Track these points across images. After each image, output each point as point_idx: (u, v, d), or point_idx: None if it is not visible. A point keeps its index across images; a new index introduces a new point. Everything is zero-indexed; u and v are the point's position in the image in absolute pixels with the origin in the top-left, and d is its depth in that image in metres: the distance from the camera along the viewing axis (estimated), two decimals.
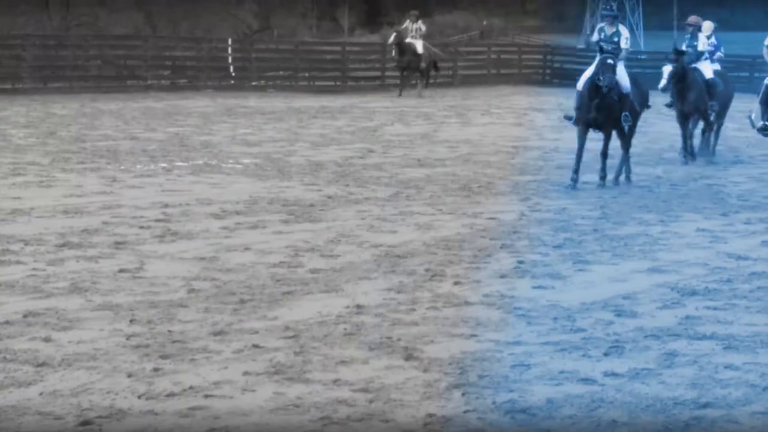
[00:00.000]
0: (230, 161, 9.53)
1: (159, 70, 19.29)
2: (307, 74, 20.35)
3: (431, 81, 18.66)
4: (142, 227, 6.30)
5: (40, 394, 3.46)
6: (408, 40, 17.97)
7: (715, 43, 10.54)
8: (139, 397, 3.45)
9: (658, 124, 12.70)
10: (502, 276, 5.29)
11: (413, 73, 18.30)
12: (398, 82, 18.64)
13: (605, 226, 6.74)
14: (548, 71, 22.99)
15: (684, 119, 10.01)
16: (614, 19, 8.82)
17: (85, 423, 3.24)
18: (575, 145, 8.52)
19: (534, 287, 5.07)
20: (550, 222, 6.87)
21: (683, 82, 9.79)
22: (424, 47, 18.19)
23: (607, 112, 8.34)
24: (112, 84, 18.18)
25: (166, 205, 7.07)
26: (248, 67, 20.15)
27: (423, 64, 18.08)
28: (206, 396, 3.48)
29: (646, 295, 4.93)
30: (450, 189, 8.24)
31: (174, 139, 11.17)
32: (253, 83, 19.70)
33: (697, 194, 8.30)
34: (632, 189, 8.49)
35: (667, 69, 9.62)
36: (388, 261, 5.56)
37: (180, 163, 9.28)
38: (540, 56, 24.06)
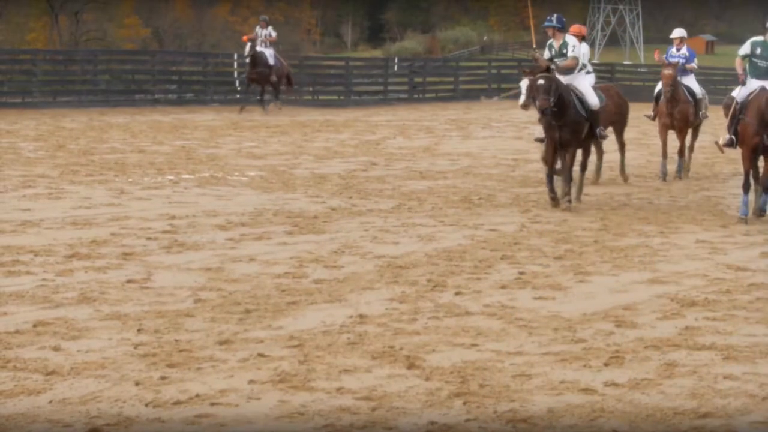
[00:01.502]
0: (236, 174, 9.60)
1: (166, 84, 19.42)
2: (311, 89, 20.38)
3: (283, 96, 16.88)
4: (149, 238, 6.37)
5: (50, 402, 3.52)
6: (259, 48, 16.26)
7: (687, 54, 10.08)
8: (147, 405, 3.50)
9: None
10: (503, 287, 5.33)
11: (263, 86, 16.44)
12: (259, 96, 16.38)
13: (605, 238, 6.79)
14: None
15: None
16: (556, 30, 7.88)
17: (94, 430, 3.30)
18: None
19: (535, 298, 5.11)
20: (551, 233, 6.92)
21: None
22: (276, 58, 16.56)
23: (571, 130, 7.72)
24: (120, 98, 18.29)
25: (173, 217, 7.14)
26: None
27: (274, 77, 16.41)
28: (212, 404, 3.53)
29: (646, 306, 4.97)
30: (451, 201, 8.29)
31: (180, 152, 11.25)
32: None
33: (697, 206, 8.34)
34: (632, 201, 8.53)
35: (524, 83, 8.50)
36: (391, 272, 5.62)
37: (186, 176, 9.35)
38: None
